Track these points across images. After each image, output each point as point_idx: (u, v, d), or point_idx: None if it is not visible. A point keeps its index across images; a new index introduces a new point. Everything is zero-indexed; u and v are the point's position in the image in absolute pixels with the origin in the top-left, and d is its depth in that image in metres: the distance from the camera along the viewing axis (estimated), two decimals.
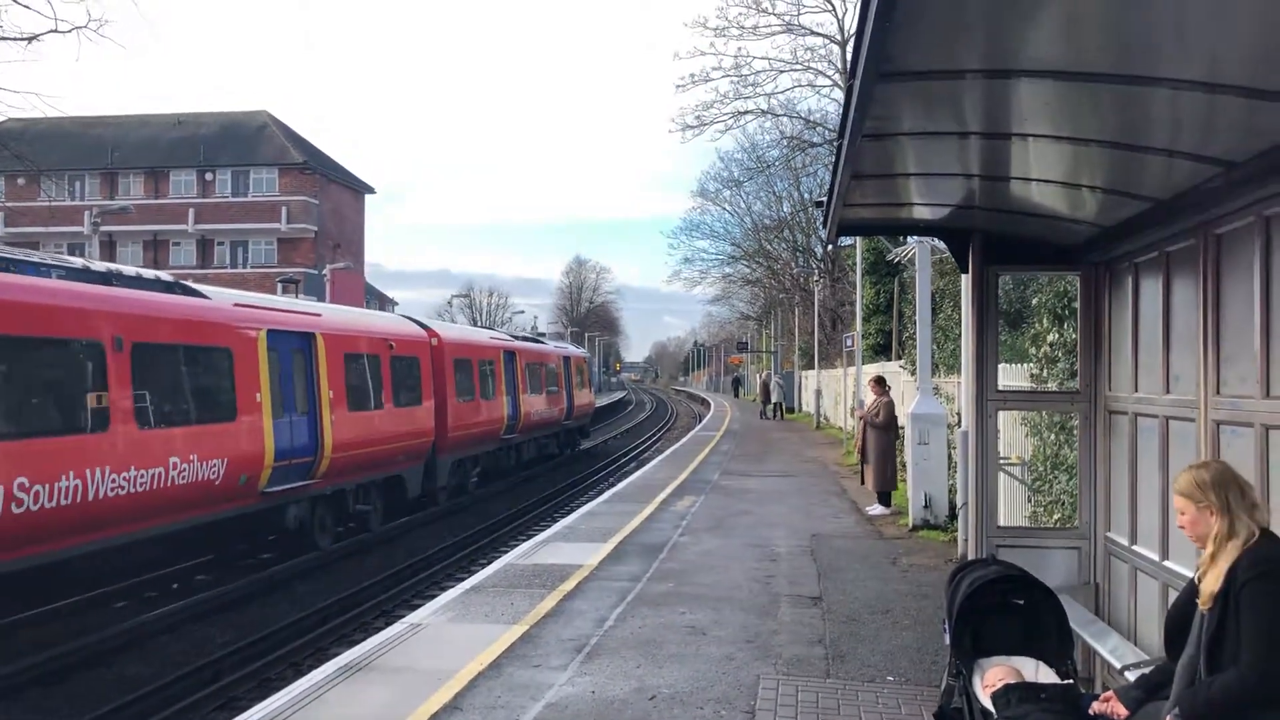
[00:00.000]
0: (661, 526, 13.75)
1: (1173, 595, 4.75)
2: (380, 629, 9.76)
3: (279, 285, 37.30)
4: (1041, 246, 6.86)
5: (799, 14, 36.43)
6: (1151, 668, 4.15)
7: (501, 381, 24.58)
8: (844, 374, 30.68)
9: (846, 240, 30.58)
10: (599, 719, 6.20)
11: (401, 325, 20.09)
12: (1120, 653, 5.42)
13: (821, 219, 7.96)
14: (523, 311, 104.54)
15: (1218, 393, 4.79)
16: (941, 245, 10.75)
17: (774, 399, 44.61)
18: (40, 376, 10.22)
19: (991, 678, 4.68)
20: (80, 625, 11.02)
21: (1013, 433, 10.91)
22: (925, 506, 13.62)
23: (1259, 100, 3.42)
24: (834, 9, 35.92)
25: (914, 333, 16.00)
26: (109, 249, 48.74)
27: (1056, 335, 9.74)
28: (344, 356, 15.95)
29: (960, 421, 11.69)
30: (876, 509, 15.03)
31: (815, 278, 44.03)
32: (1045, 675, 4.81)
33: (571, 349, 37.87)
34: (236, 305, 13.92)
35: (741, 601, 9.28)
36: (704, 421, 44.86)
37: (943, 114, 4.17)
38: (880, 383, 15.95)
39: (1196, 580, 3.63)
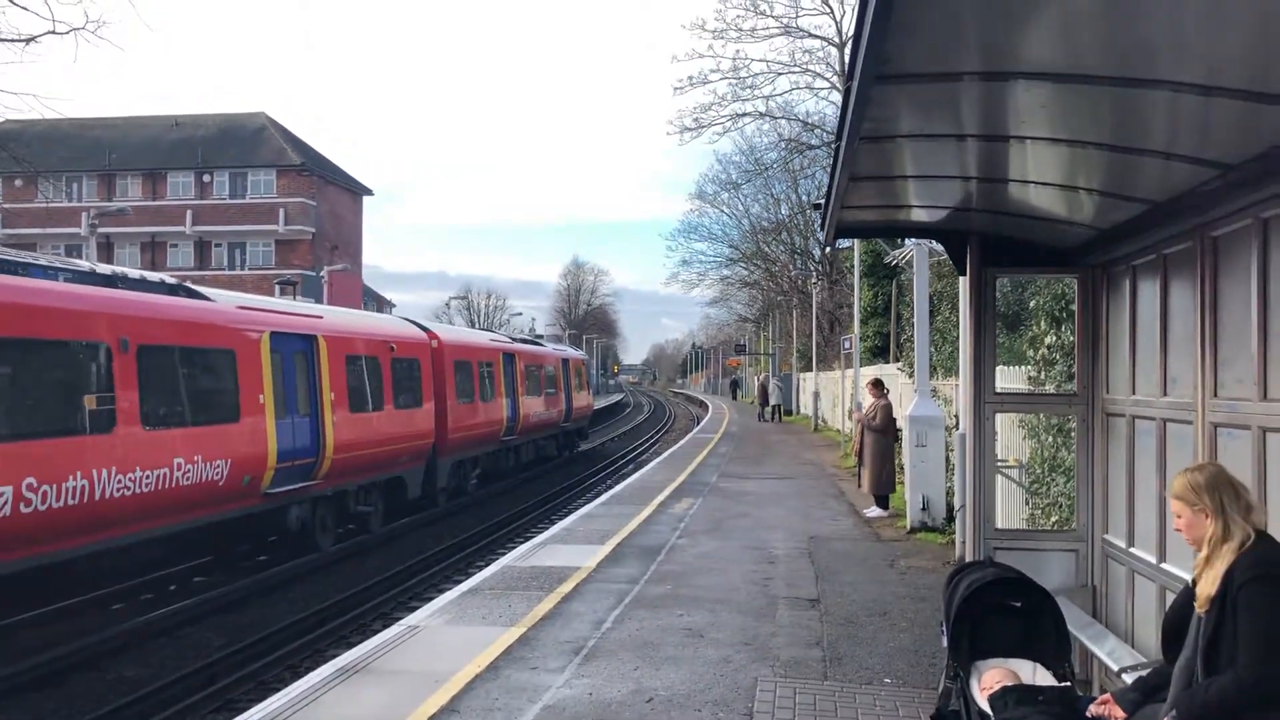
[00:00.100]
0: (659, 529, 13.74)
1: (1170, 598, 4.75)
2: (378, 631, 9.75)
3: (276, 287, 37.30)
4: (1039, 249, 6.87)
5: (797, 16, 36.54)
6: (1149, 670, 4.15)
7: (501, 383, 24.66)
8: (842, 376, 30.69)
9: (844, 242, 30.57)
10: None
11: (402, 327, 20.16)
12: (1118, 655, 5.42)
13: (819, 221, 7.96)
14: (520, 313, 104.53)
15: (1215, 395, 4.80)
16: (939, 247, 10.77)
17: (773, 401, 44.59)
18: (48, 378, 10.32)
19: (989, 680, 4.68)
20: (77, 627, 11.01)
21: (1010, 435, 10.92)
22: (923, 509, 13.63)
23: (1256, 103, 3.42)
24: (832, 11, 35.99)
25: (912, 335, 16.01)
26: (106, 251, 48.71)
27: (1054, 337, 9.74)
28: (345, 358, 16.07)
29: (958, 424, 11.69)
30: (874, 511, 15.03)
31: (813, 280, 44.05)
32: (1043, 677, 4.81)
33: (570, 351, 37.87)
34: (240, 308, 14.03)
35: (739, 603, 9.27)
36: (702, 424, 44.86)
37: (940, 116, 4.17)
38: (878, 385, 15.95)
39: (1193, 583, 3.63)
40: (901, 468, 15.09)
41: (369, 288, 65.54)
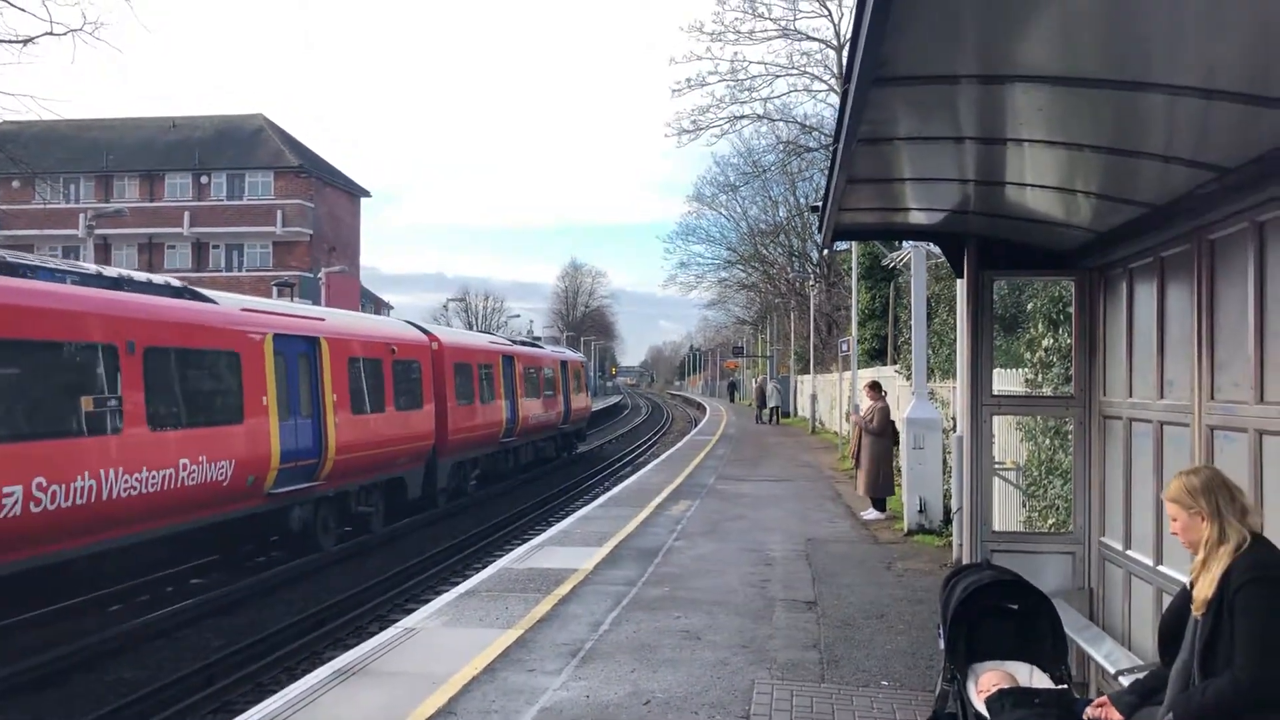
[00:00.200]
0: (657, 531, 13.74)
1: (1167, 600, 4.75)
2: (375, 633, 9.74)
3: (274, 289, 37.33)
4: (1036, 251, 6.87)
5: (795, 19, 36.59)
6: (1146, 673, 4.15)
7: (500, 385, 24.73)
8: (839, 378, 30.72)
9: (842, 245, 30.61)
10: None
11: (403, 330, 20.24)
12: (1114, 658, 5.42)
13: (817, 224, 7.96)
14: (518, 315, 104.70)
15: (1211, 398, 4.80)
16: (937, 250, 10.77)
17: (770, 403, 44.60)
18: (56, 379, 10.41)
19: (986, 682, 4.68)
20: (77, 628, 11.00)
21: (1007, 437, 10.92)
22: (920, 511, 13.63)
23: (1253, 106, 3.43)
24: (830, 14, 36.06)
25: (909, 337, 16.02)
26: (104, 252, 48.66)
27: (1051, 340, 9.75)
28: (347, 360, 16.22)
29: (955, 426, 11.70)
30: (871, 514, 15.03)
31: (811, 282, 44.10)
32: (1039, 680, 4.81)
33: (568, 353, 37.88)
34: (244, 310, 14.14)
35: (736, 606, 9.27)
36: (700, 426, 44.87)
37: (938, 119, 4.17)
38: (875, 388, 15.95)
39: (1190, 585, 3.63)
40: (899, 470, 15.10)
41: (366, 289, 65.53)
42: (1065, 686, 4.76)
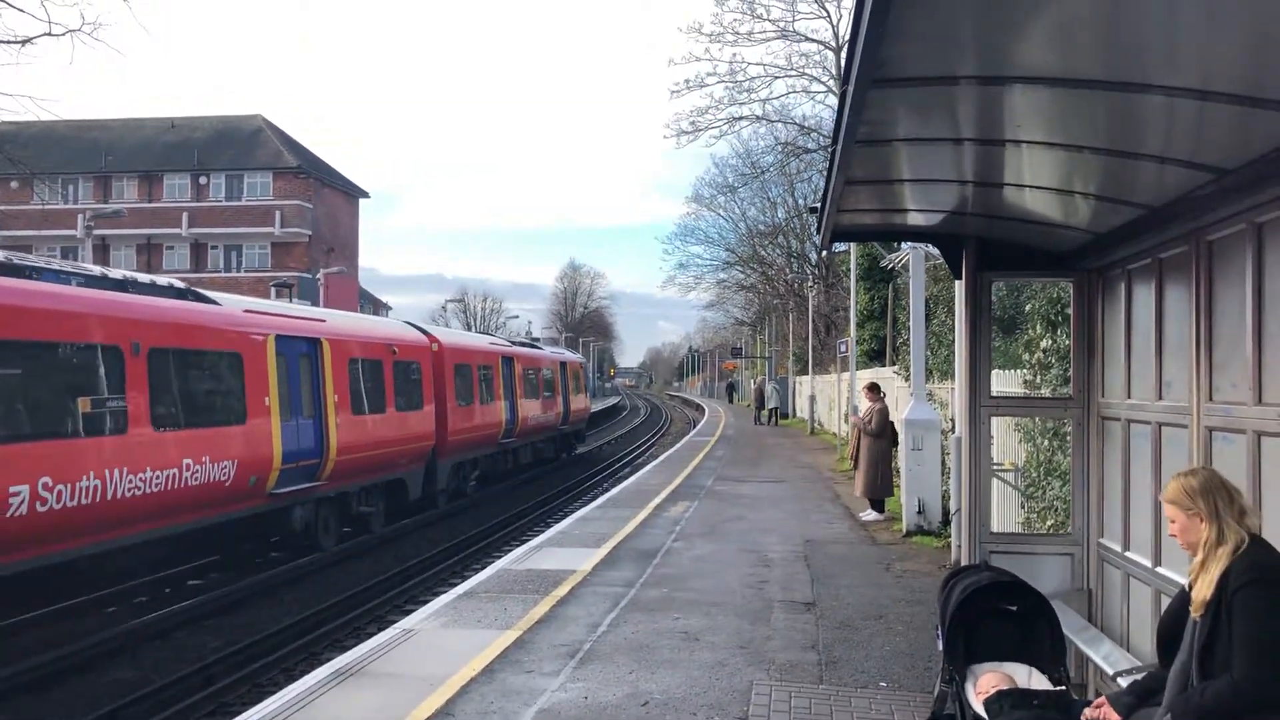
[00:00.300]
0: (655, 532, 13.74)
1: (1165, 602, 4.75)
2: (373, 634, 9.73)
3: (272, 290, 37.26)
4: (1035, 253, 6.88)
5: (794, 20, 36.62)
6: (1144, 674, 4.15)
7: (499, 387, 24.78)
8: (838, 379, 30.73)
9: (841, 246, 30.64)
10: None
11: (403, 331, 20.29)
12: (1113, 659, 5.42)
13: (816, 225, 7.97)
14: (517, 316, 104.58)
15: (1210, 399, 4.80)
16: (935, 251, 10.77)
17: (769, 404, 44.61)
18: (62, 380, 10.48)
19: (984, 684, 4.68)
20: (77, 628, 11.00)
21: (1006, 439, 10.93)
22: (919, 512, 13.63)
23: (1251, 108, 3.43)
24: (828, 15, 36.11)
25: (908, 338, 16.01)
26: (102, 253, 48.60)
27: (1050, 341, 9.75)
28: (348, 361, 16.31)
29: (954, 427, 11.70)
30: (870, 515, 15.03)
31: (810, 283, 44.13)
32: (1038, 681, 4.81)
33: (567, 354, 37.88)
34: (246, 311, 14.21)
35: (735, 607, 9.27)
36: (698, 427, 44.86)
37: (936, 120, 4.17)
38: (874, 389, 15.95)
39: (1188, 587, 3.63)
40: (898, 471, 15.10)
41: (365, 290, 65.57)
42: (1064, 688, 4.76)
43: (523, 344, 32.94)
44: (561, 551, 12.28)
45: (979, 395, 6.96)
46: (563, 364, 33.50)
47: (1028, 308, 11.06)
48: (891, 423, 15.25)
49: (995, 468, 9.60)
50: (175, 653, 10.52)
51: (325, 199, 55.87)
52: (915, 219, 6.75)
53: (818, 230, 7.03)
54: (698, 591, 9.93)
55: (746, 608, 9.26)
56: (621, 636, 8.22)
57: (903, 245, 16.31)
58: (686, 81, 37.44)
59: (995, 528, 7.53)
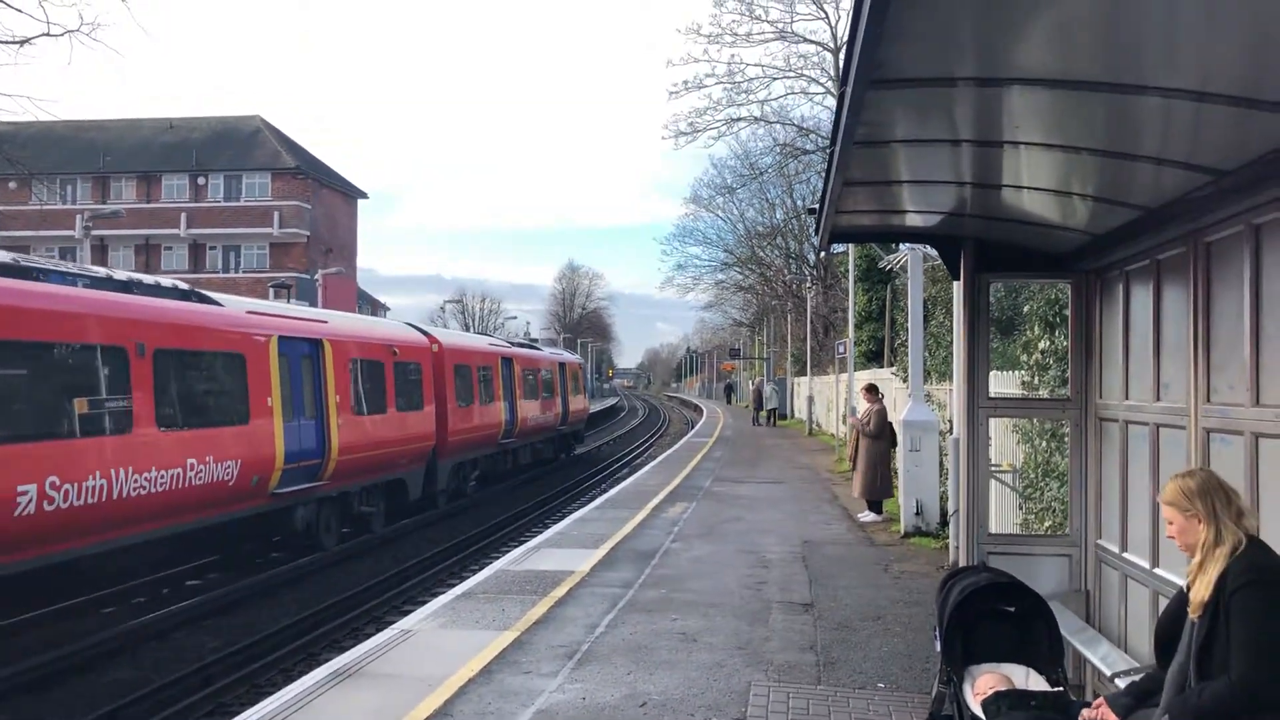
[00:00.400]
0: (653, 533, 13.74)
1: (1163, 603, 4.75)
2: (371, 634, 9.72)
3: (271, 290, 37.25)
4: (1033, 254, 6.88)
5: (792, 21, 36.62)
6: (1142, 675, 4.15)
7: (499, 387, 24.83)
8: (836, 381, 30.74)
9: (839, 247, 30.62)
10: None
11: (404, 332, 20.33)
12: (1111, 660, 5.42)
13: (814, 226, 7.97)
14: (515, 317, 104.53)
15: (1208, 400, 4.81)
16: (933, 252, 10.77)
17: (768, 405, 44.61)
18: (69, 380, 10.53)
19: (982, 685, 4.69)
20: (76, 628, 11.00)
21: (1004, 440, 10.93)
22: (917, 513, 13.63)
23: (1248, 109, 3.44)
24: (827, 16, 36.11)
25: (906, 340, 16.02)
26: (101, 253, 48.57)
27: (1048, 342, 9.76)
28: (350, 362, 16.38)
29: (952, 428, 11.71)
30: (868, 516, 15.03)
31: (808, 284, 44.12)
32: (1036, 682, 4.81)
33: (566, 355, 37.88)
34: (249, 312, 14.26)
35: (733, 608, 9.27)
36: (696, 428, 44.87)
37: (935, 121, 4.18)
38: (872, 390, 15.95)
39: (1186, 588, 3.63)
40: (896, 472, 15.11)
41: (363, 290, 65.55)
42: (1061, 689, 4.77)
43: (522, 345, 32.94)
44: (560, 552, 12.28)
45: (977, 396, 6.97)
46: (561, 365, 33.50)
47: (1026, 309, 11.08)
48: (890, 424, 15.25)
49: (993, 469, 9.60)
50: (174, 653, 10.51)
51: (324, 199, 55.85)
52: (913, 220, 6.76)
53: (816, 231, 7.04)
54: (696, 592, 9.93)
55: (744, 609, 9.26)
56: (619, 637, 8.22)
57: (901, 246, 16.33)
58: (685, 82, 37.35)
59: (993, 529, 7.55)
